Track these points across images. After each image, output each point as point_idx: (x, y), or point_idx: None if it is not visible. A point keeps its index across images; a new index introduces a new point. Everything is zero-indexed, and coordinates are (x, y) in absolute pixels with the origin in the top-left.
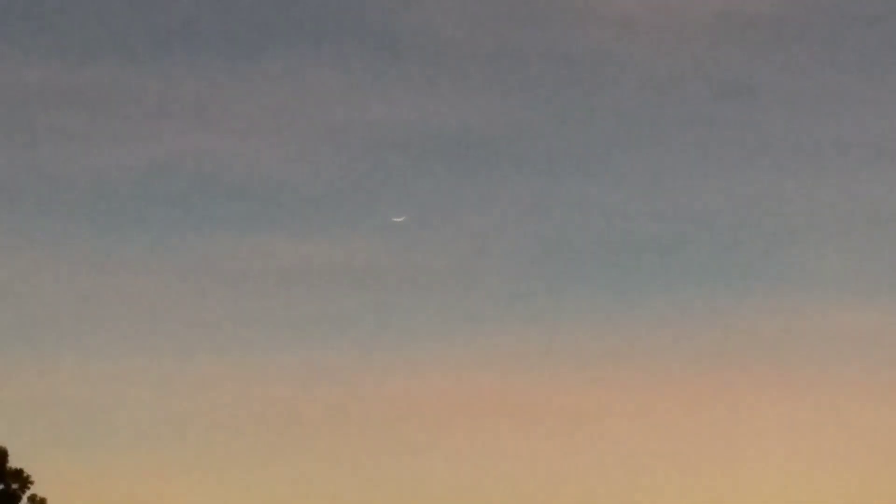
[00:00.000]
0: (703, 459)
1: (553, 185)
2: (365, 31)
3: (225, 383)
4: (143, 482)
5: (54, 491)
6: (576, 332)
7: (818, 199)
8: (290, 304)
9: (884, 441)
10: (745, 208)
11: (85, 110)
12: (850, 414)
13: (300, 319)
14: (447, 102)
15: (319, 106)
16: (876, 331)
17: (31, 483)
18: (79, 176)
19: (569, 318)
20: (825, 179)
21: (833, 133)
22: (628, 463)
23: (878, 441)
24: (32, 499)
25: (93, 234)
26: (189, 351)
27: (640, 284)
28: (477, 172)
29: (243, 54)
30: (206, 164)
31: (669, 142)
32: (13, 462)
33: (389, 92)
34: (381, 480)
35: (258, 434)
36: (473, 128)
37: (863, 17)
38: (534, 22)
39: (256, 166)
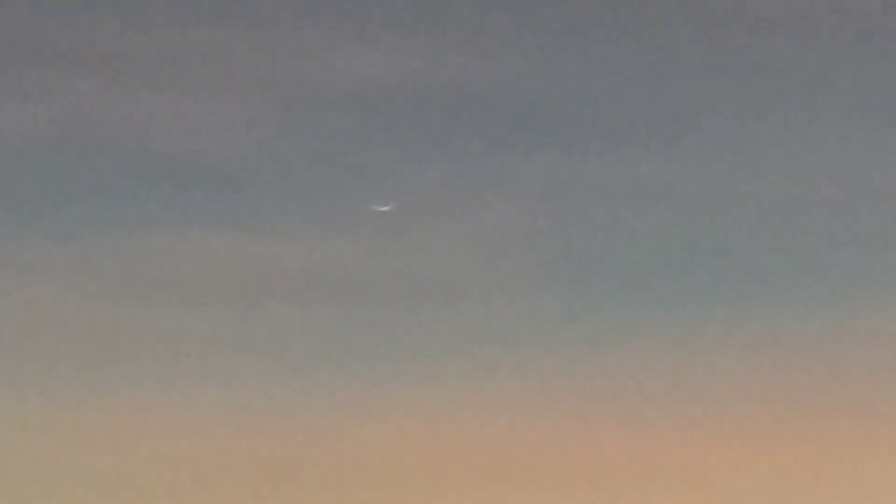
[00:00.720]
0: None
1: (594, 162)
2: None
3: (139, 426)
4: None
5: None
6: (621, 364)
7: None
8: (231, 320)
9: None
10: (865, 190)
11: None
12: None
13: (244, 341)
14: (450, 51)
15: (274, 53)
16: None
17: None
18: None
19: (614, 344)
20: None
21: None
22: None
23: None
24: None
25: None
26: (96, 381)
27: (718, 296)
28: (489, 145)
29: None
30: (121, 131)
31: (760, 101)
32: None
33: (370, 33)
34: None
35: (189, 495)
36: (485, 84)
37: None
38: None
39: (189, 135)
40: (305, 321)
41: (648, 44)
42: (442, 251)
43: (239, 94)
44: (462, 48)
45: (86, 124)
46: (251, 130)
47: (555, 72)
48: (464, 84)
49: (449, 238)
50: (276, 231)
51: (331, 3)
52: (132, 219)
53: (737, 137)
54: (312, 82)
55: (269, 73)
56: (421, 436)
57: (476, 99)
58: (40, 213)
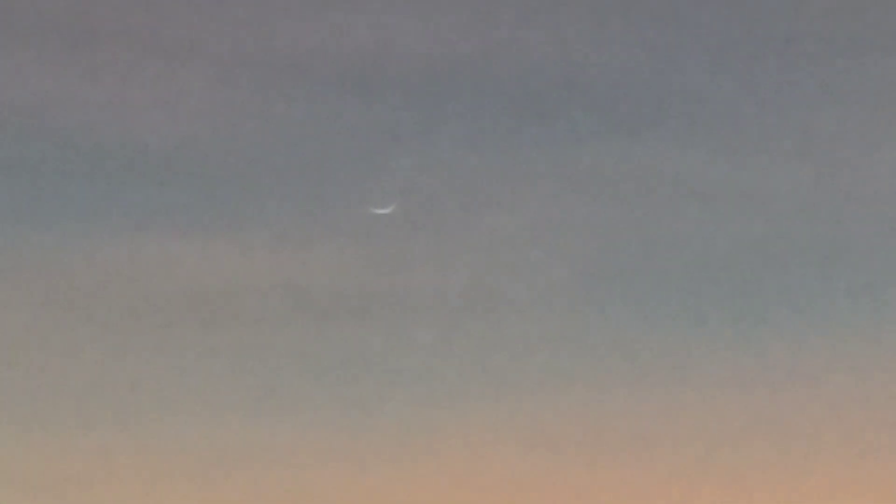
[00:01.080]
0: None
1: (634, 153)
2: None
3: (83, 468)
4: None
5: None
6: (662, 397)
7: None
8: (199, 342)
9: None
10: None
11: None
12: None
13: (217, 366)
14: (461, 22)
15: (249, 21)
16: None
17: None
18: None
19: (653, 371)
20: None
21: None
22: None
23: None
24: None
25: None
26: (25, 412)
27: (781, 314)
28: (507, 134)
29: None
30: (80, 117)
31: (829, 79)
32: None
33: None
34: None
35: None
36: (505, 61)
37: None
38: None
39: (143, 122)
40: (288, 342)
41: (694, 26)
42: (451, 262)
43: (212, 73)
44: (475, 17)
45: (41, 108)
46: (225, 116)
47: (584, 51)
48: (480, 61)
49: (460, 247)
50: (254, 237)
51: None
52: (90, 222)
53: (799, 133)
54: (297, 57)
55: (244, 44)
56: (427, 467)
57: (494, 78)
58: None
